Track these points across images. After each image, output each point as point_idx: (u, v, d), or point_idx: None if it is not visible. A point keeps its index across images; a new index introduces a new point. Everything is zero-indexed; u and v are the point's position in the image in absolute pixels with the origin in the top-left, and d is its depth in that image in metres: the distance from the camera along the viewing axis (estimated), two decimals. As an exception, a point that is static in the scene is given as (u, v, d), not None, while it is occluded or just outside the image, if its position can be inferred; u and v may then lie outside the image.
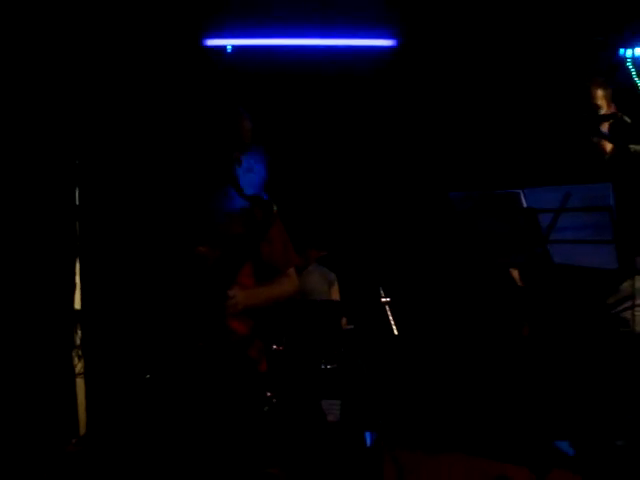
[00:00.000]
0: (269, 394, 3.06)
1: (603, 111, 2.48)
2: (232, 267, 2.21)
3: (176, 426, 2.21)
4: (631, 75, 4.27)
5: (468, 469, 3.84)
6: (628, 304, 2.44)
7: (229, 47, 4.57)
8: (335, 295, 4.32)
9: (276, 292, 2.41)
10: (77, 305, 4.35)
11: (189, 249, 2.25)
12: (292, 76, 4.62)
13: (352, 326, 4.12)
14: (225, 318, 2.21)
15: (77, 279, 4.35)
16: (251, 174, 2.30)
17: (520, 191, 2.09)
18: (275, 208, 2.17)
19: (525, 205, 2.09)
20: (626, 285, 2.45)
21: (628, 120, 2.40)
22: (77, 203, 4.39)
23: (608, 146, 2.51)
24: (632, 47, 4.34)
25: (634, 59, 4.30)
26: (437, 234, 4.42)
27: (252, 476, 2.32)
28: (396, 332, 3.36)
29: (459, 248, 2.31)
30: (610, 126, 2.46)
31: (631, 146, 2.52)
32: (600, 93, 2.49)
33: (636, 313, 2.43)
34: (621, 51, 4.37)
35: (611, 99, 2.52)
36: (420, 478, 3.67)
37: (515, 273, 3.37)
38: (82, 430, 4.24)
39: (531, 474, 2.65)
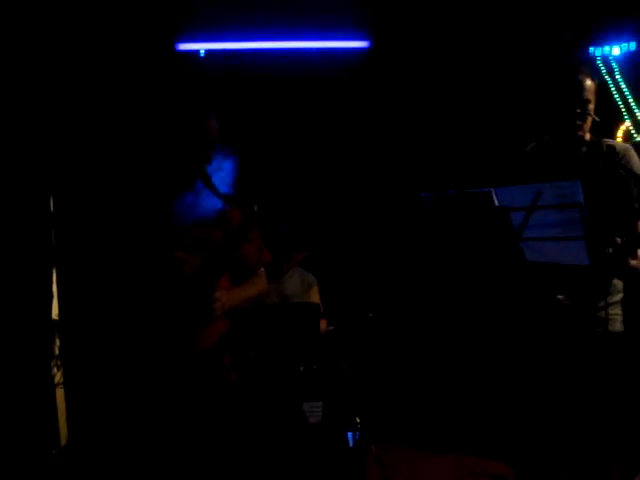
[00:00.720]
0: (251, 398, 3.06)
1: (592, 106, 2.42)
2: (217, 272, 2.22)
3: (157, 434, 2.20)
4: (601, 73, 4.33)
5: (450, 466, 3.86)
6: (602, 303, 2.42)
7: (202, 51, 4.57)
8: (314, 297, 4.32)
9: (252, 292, 2.44)
10: (55, 315, 4.30)
11: (166, 255, 2.24)
12: (266, 79, 4.62)
13: (332, 327, 4.13)
14: (211, 320, 2.21)
15: (54, 288, 4.31)
16: (222, 173, 2.30)
17: (492, 190, 2.10)
18: (255, 208, 2.18)
19: (497, 204, 2.10)
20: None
21: (597, 119, 2.42)
22: (52, 211, 4.35)
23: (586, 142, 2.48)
24: (601, 46, 4.40)
25: (603, 57, 4.37)
26: (411, 234, 4.44)
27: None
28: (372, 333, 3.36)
29: (433, 248, 2.32)
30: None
31: (605, 140, 2.52)
32: (590, 85, 2.42)
33: (610, 311, 2.43)
34: (591, 50, 4.43)
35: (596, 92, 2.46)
36: (403, 475, 3.68)
37: None
38: (63, 441, 4.20)
39: (511, 469, 2.69)
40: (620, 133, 4.20)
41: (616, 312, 2.46)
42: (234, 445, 2.34)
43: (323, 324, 4.08)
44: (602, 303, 2.41)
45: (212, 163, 2.30)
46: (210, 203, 2.32)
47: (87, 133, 4.39)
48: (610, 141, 2.54)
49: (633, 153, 2.46)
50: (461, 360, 4.59)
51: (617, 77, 4.27)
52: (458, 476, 3.66)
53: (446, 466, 3.87)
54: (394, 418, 4.54)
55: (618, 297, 2.47)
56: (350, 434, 3.59)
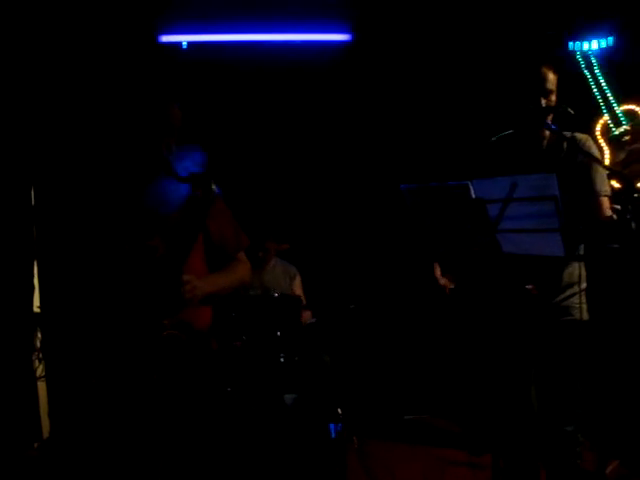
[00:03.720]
0: (230, 389, 3.07)
1: (554, 97, 2.47)
2: (180, 252, 2.18)
3: (139, 426, 2.20)
4: (580, 68, 4.37)
5: (429, 456, 3.91)
6: (570, 292, 2.49)
7: (184, 43, 4.56)
8: (297, 289, 4.34)
9: (232, 278, 2.41)
10: (36, 308, 4.29)
11: (139, 243, 2.24)
12: (247, 71, 4.63)
13: (315, 319, 4.15)
14: (184, 305, 2.19)
15: (35, 281, 4.29)
16: (187, 162, 2.30)
17: (469, 182, 2.13)
18: (214, 186, 2.18)
19: (474, 196, 2.13)
20: (567, 272, 2.50)
21: (571, 112, 2.46)
22: (33, 203, 4.32)
23: (547, 135, 2.54)
24: (581, 41, 4.45)
25: (582, 52, 4.41)
26: (391, 226, 4.47)
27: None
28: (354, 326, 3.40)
29: (411, 239, 2.34)
30: (554, 117, 2.50)
31: (565, 132, 2.55)
32: (552, 77, 2.47)
33: (576, 300, 2.48)
34: (570, 45, 4.48)
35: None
36: (384, 466, 3.72)
37: (437, 265, 3.47)
38: (45, 434, 4.19)
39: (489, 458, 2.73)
40: (598, 127, 4.25)
41: (581, 301, 2.50)
42: (216, 436, 2.35)
43: (307, 316, 4.10)
44: (567, 292, 2.47)
45: (175, 152, 2.30)
46: (179, 189, 2.31)
47: (67, 127, 4.36)
48: (569, 132, 2.58)
49: (592, 143, 2.52)
50: (441, 352, 4.63)
51: (596, 71, 4.32)
52: (437, 466, 3.71)
53: (425, 457, 3.92)
54: (375, 410, 4.58)
55: (582, 286, 2.52)
56: (332, 425, 3.62)
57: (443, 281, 3.83)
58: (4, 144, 4.10)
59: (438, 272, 3.87)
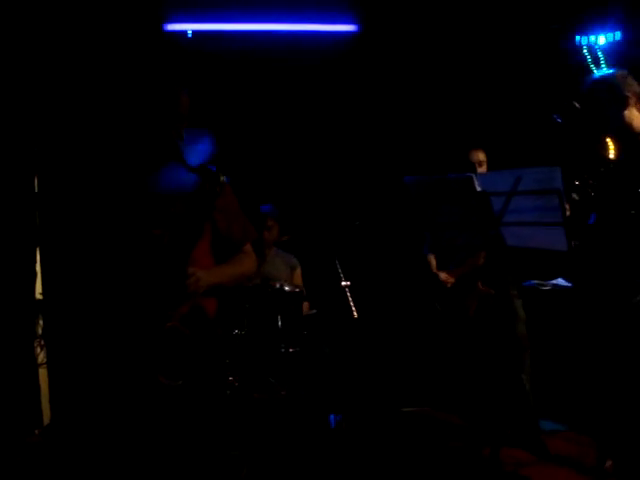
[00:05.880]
0: (231, 378, 3.09)
1: None
2: (186, 243, 2.17)
3: (140, 413, 2.21)
4: (587, 62, 4.35)
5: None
6: None
7: (189, 32, 4.55)
8: (297, 280, 4.34)
9: (239, 270, 2.40)
10: (38, 294, 4.30)
11: (144, 232, 2.24)
12: (252, 61, 4.61)
13: (315, 311, 4.16)
14: (187, 297, 2.18)
15: (37, 268, 4.29)
16: (196, 149, 2.29)
17: (473, 175, 2.13)
18: (223, 178, 2.17)
19: (478, 189, 2.13)
20: None
21: (578, 106, 2.45)
22: (36, 191, 4.32)
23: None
24: (588, 34, 4.42)
25: (590, 46, 4.39)
26: (394, 217, 4.47)
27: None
28: (356, 315, 3.39)
29: (414, 231, 2.35)
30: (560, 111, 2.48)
31: None
32: None
33: None
34: (577, 39, 4.45)
35: None
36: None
37: (432, 259, 3.46)
38: (46, 420, 4.21)
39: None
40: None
41: None
42: (215, 426, 2.35)
43: (305, 307, 4.11)
44: None
45: (184, 138, 2.28)
46: (188, 177, 2.30)
47: (71, 114, 4.36)
48: None
49: None
50: (441, 344, 4.63)
51: (602, 66, 4.30)
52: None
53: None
54: (375, 402, 4.59)
55: None
56: (332, 416, 3.63)
57: (444, 276, 3.83)
58: (8, 131, 4.10)
59: (434, 265, 3.86)
